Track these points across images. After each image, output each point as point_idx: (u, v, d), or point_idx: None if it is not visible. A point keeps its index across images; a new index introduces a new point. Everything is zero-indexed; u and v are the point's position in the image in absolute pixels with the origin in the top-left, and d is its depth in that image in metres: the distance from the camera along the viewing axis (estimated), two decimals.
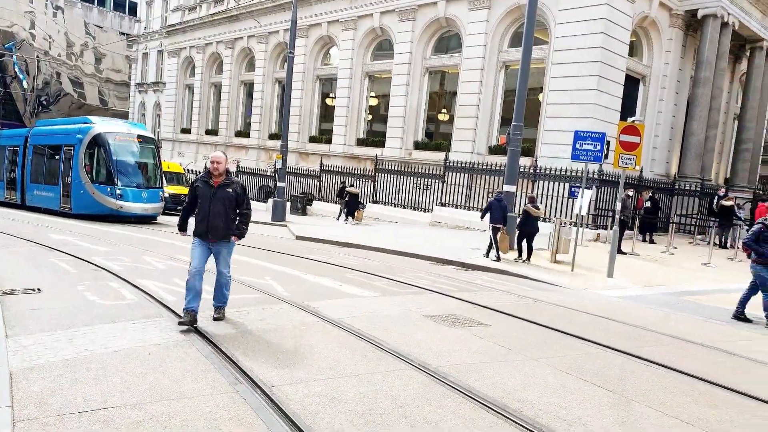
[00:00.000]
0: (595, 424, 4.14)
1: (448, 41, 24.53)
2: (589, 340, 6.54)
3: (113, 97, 54.06)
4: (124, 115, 44.65)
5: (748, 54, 26.38)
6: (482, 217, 13.84)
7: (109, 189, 18.01)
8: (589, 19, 19.09)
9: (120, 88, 53.73)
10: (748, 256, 9.00)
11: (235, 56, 34.88)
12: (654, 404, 4.67)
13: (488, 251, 13.06)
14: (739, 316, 8.75)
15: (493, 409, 4.22)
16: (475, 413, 4.16)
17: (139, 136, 19.25)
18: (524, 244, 12.87)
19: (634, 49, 21.97)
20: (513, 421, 4.04)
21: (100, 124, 19.06)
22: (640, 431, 4.12)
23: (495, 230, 12.90)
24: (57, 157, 19.77)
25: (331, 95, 29.09)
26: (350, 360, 5.17)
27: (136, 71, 46.17)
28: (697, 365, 5.94)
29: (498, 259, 12.64)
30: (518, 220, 13.49)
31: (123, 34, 52.82)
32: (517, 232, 13.31)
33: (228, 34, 34.99)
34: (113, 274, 8.61)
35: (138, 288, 7.66)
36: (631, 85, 21.65)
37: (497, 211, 12.98)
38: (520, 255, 12.93)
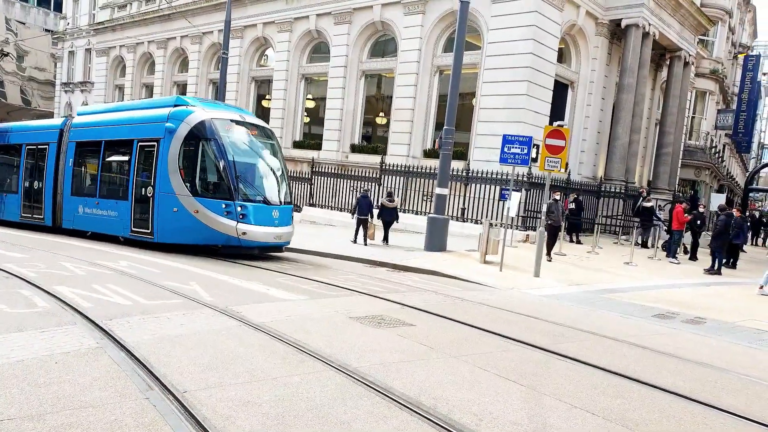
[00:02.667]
0: (505, 417, 4.26)
1: (384, 45, 24.71)
2: (509, 338, 6.72)
3: (37, 96, 51.46)
4: (49, 116, 42.54)
5: (668, 63, 27.87)
6: (353, 213, 16.20)
7: (224, 205, 11.59)
8: (519, 25, 19.68)
9: (44, 87, 51.19)
10: None
11: (168, 56, 33.92)
12: (564, 397, 4.85)
13: (355, 238, 15.94)
14: None
15: (407, 407, 4.27)
16: (389, 411, 4.19)
17: (255, 126, 13.11)
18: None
19: (562, 56, 22.80)
20: (425, 417, 4.10)
21: (200, 107, 12.66)
22: (546, 422, 4.27)
23: (361, 221, 15.70)
24: (123, 157, 13.60)
25: (267, 97, 28.75)
26: (269, 364, 5.12)
27: (62, 70, 44.14)
28: (609, 359, 6.21)
29: (365, 243, 15.51)
30: (377, 212, 16.42)
31: (48, 31, 50.37)
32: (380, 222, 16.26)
33: (160, 33, 33.98)
34: (26, 281, 8.19)
35: (52, 295, 7.31)
36: (561, 90, 22.46)
37: (363, 206, 15.76)
38: (384, 239, 16.06)
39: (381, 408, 4.25)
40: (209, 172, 12.22)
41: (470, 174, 19.31)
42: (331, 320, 7.00)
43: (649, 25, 23.57)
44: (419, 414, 4.15)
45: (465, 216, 19.11)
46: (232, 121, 12.57)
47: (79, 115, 16.22)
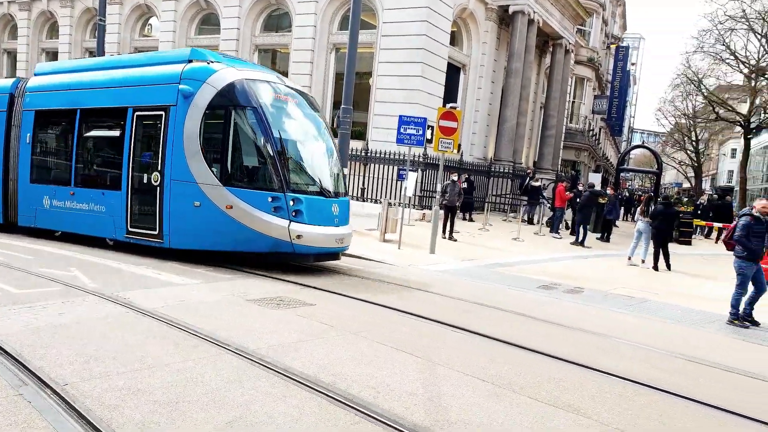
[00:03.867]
0: (401, 389, 4.37)
1: (278, 20, 24.10)
2: (406, 312, 6.89)
3: None
4: None
5: (551, 50, 29.49)
6: None
7: (271, 198, 8.61)
8: (413, 6, 19.94)
9: None
10: (730, 249, 8.32)
11: (33, 20, 30.89)
12: (457, 366, 5.06)
13: None
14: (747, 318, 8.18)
15: (306, 385, 4.25)
16: (287, 391, 4.16)
17: (298, 93, 9.97)
18: None
19: (455, 39, 23.42)
20: (324, 394, 4.11)
21: (225, 65, 9.40)
22: (441, 391, 4.44)
23: None
24: (111, 132, 10.29)
25: None
26: (160, 350, 4.89)
27: None
28: (500, 329, 6.55)
29: None
30: None
31: None
32: None
33: None
34: None
35: None
36: (453, 73, 23.09)
37: None
38: None
39: (279, 388, 4.21)
40: (247, 152, 9.03)
41: (369, 154, 19.44)
42: (228, 303, 6.80)
43: (534, 12, 24.76)
44: (318, 391, 4.16)
45: (365, 196, 19.25)
46: (270, 84, 9.42)
47: (37, 75, 11.97)
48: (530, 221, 21.18)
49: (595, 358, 5.73)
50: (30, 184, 11.23)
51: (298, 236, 8.57)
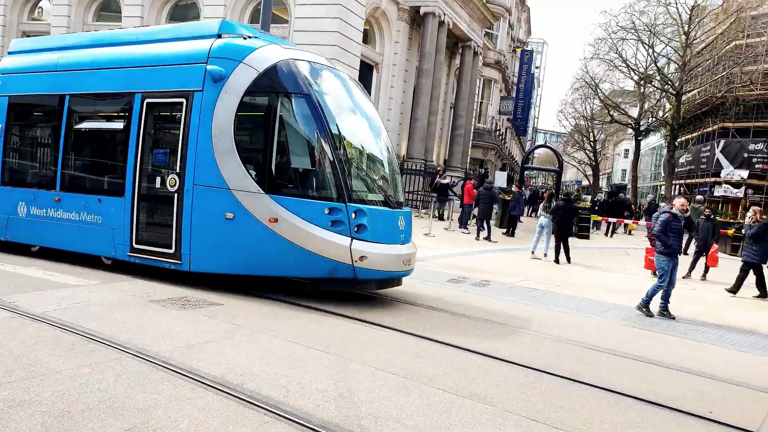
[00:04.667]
0: (312, 386, 4.33)
1: (186, 10, 23.16)
2: (318, 309, 6.84)
3: None
4: None
5: (460, 51, 30.34)
6: None
7: (328, 210, 6.99)
8: (326, 3, 19.80)
9: None
10: (652, 245, 8.92)
11: None
12: (370, 362, 5.09)
13: None
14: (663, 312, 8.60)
15: (212, 387, 4.11)
16: (193, 393, 4.00)
17: (350, 78, 8.55)
18: None
19: (368, 38, 23.53)
20: (231, 395, 3.99)
21: (265, 41, 7.84)
22: (352, 387, 4.44)
23: None
24: (111, 124, 8.51)
25: None
26: (52, 357, 4.55)
27: None
28: (410, 322, 6.65)
29: None
30: None
31: None
32: None
33: None
34: None
35: None
36: (367, 71, 23.19)
37: None
38: None
39: (184, 390, 4.04)
40: (297, 151, 7.47)
41: None
42: (129, 305, 6.45)
43: (444, 14, 25.36)
44: (225, 392, 4.03)
45: None
46: (323, 66, 7.94)
47: (12, 54, 9.89)
48: (440, 217, 21.69)
49: (498, 347, 5.95)
50: (0, 187, 9.24)
51: (362, 257, 6.86)
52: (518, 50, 49.68)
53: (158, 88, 7.85)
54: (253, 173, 7.12)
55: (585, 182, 66.92)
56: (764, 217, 11.60)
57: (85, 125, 8.79)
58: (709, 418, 4.53)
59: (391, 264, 7.27)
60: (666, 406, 4.70)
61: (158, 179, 7.70)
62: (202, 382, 4.19)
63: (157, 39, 8.36)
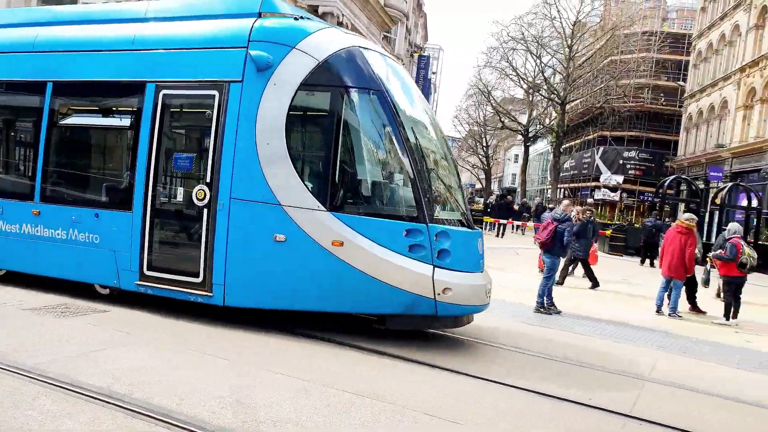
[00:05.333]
0: (208, 393, 4.18)
1: None
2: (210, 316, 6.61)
3: None
4: None
5: None
6: None
7: (405, 232, 5.77)
8: None
9: None
10: (544, 247, 9.10)
11: None
12: (267, 365, 5.00)
13: None
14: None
15: (98, 399, 3.85)
16: (75, 407, 3.72)
17: (404, 71, 7.54)
18: None
19: None
20: (120, 406, 3.76)
21: (322, 24, 6.73)
22: (250, 392, 4.34)
23: None
24: (110, 119, 7.27)
25: None
26: None
27: None
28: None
29: None
30: None
31: None
32: None
33: None
34: None
35: None
36: None
37: None
38: None
39: (65, 405, 3.75)
40: (367, 160, 6.22)
41: None
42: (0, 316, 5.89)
43: (343, 15, 25.46)
44: (113, 404, 3.79)
45: None
46: (387, 58, 6.83)
47: None
48: None
49: (401, 347, 6.04)
50: None
51: (445, 290, 5.72)
52: (415, 55, 50.90)
53: (180, 77, 6.42)
54: (312, 186, 5.95)
55: (478, 185, 69.85)
56: (586, 215, 12.63)
57: (75, 121, 7.32)
58: (588, 404, 4.88)
59: (475, 297, 6.06)
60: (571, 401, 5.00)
61: (180, 191, 6.39)
62: (86, 395, 3.91)
63: (175, 16, 6.85)
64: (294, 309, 6.14)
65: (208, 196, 6.07)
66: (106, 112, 7.20)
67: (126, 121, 6.82)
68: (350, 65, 6.05)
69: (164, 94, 6.40)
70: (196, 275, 6.08)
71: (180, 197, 6.39)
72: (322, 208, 5.77)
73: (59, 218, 6.83)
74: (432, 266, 5.71)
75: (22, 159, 7.57)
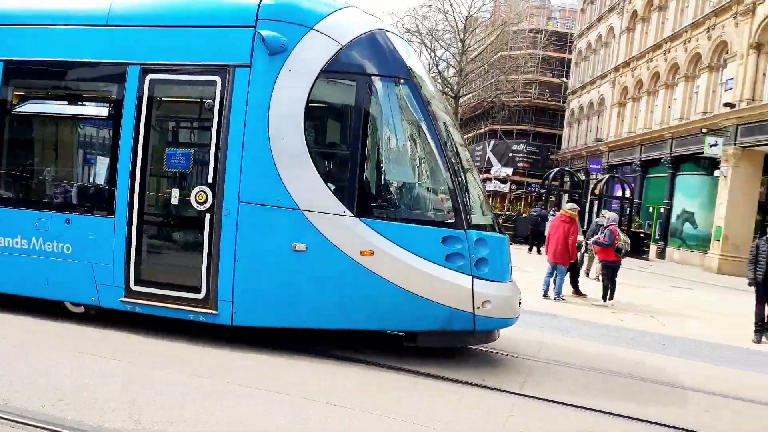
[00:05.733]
0: (101, 392, 3.95)
1: None
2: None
3: None
4: None
5: None
6: None
7: (442, 239, 5.14)
8: None
9: None
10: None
11: None
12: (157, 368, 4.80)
13: None
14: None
15: None
16: None
17: None
18: None
19: None
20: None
21: (341, 4, 5.55)
22: (147, 396, 4.15)
23: None
24: (84, 108, 5.87)
25: None
26: None
27: None
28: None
29: None
30: None
31: None
32: None
33: None
34: None
35: None
36: None
37: None
38: None
39: None
40: (397, 159, 5.74)
41: None
42: None
43: None
44: None
45: None
46: (403, 40, 6.14)
47: None
48: None
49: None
50: None
51: (485, 302, 5.25)
52: None
53: (171, 60, 5.52)
54: (336, 188, 5.24)
55: None
56: None
57: (36, 108, 6.14)
58: (482, 384, 5.12)
59: (510, 309, 5.57)
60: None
61: (174, 193, 5.49)
62: None
63: None
64: (314, 328, 5.52)
65: (210, 199, 5.28)
66: (76, 99, 6.00)
67: (103, 110, 5.78)
68: (377, 50, 5.45)
69: (152, 79, 5.49)
70: (197, 290, 5.29)
71: (174, 200, 5.50)
72: (349, 212, 5.14)
73: (16, 224, 5.74)
74: (471, 277, 5.22)
75: None
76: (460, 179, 5.43)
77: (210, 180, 5.29)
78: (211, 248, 5.25)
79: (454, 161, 5.47)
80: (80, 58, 5.74)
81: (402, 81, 5.43)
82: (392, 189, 5.61)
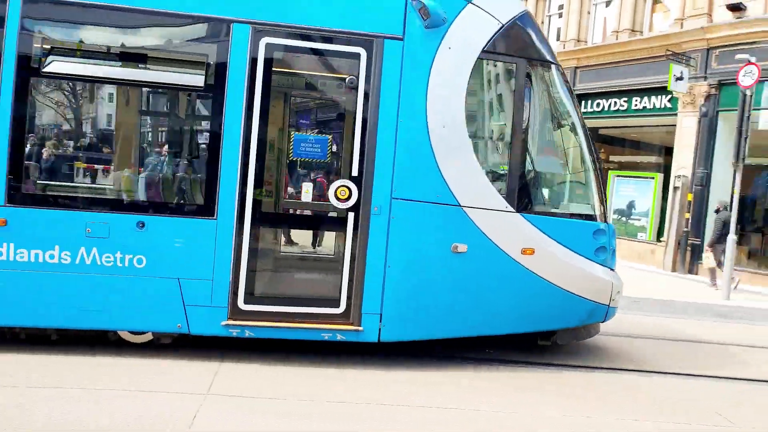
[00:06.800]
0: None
1: None
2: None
3: None
4: None
5: None
6: None
7: (593, 233, 5.07)
8: None
9: None
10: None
11: None
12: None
13: None
14: None
15: None
16: None
17: None
18: None
19: None
20: None
21: None
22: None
23: None
24: (164, 76, 4.39)
25: None
26: None
27: None
28: None
29: None
30: None
31: None
32: None
33: None
34: None
35: None
36: None
37: None
38: None
39: None
40: (551, 151, 5.50)
41: None
42: None
43: None
44: None
45: None
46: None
47: None
48: None
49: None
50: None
51: (618, 293, 5.24)
52: None
53: (295, 22, 4.44)
54: (496, 181, 4.83)
55: None
56: None
57: (84, 70, 4.38)
58: None
59: (620, 297, 5.43)
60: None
61: (304, 187, 4.66)
62: None
63: None
64: (469, 336, 4.97)
65: (355, 196, 4.51)
66: (141, 58, 4.41)
67: (197, 79, 4.42)
68: (532, 32, 4.98)
69: (267, 44, 4.37)
70: (335, 304, 4.56)
71: (304, 197, 4.65)
72: (510, 208, 4.70)
73: (56, 231, 4.24)
74: (610, 269, 5.18)
75: None
76: (598, 170, 5.25)
77: (354, 173, 4.51)
78: (355, 252, 4.53)
79: (593, 151, 5.25)
80: (153, 8, 4.36)
81: (554, 67, 5.07)
82: (548, 182, 5.35)
